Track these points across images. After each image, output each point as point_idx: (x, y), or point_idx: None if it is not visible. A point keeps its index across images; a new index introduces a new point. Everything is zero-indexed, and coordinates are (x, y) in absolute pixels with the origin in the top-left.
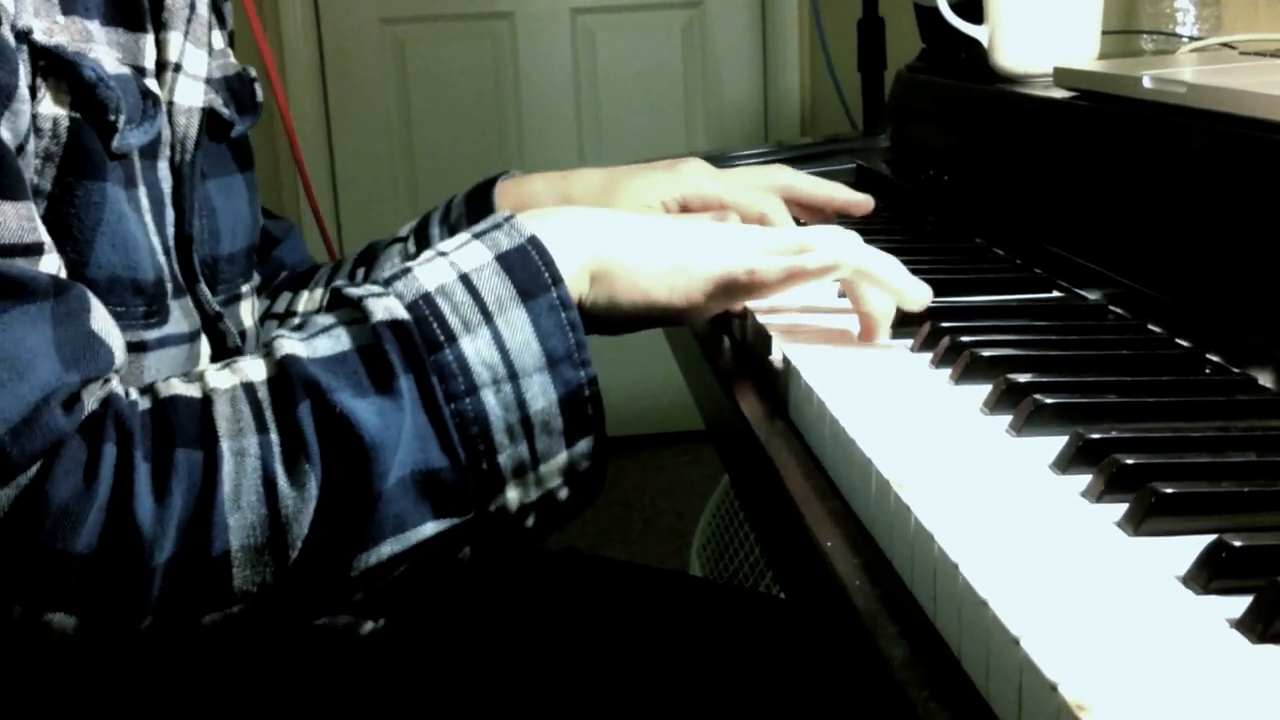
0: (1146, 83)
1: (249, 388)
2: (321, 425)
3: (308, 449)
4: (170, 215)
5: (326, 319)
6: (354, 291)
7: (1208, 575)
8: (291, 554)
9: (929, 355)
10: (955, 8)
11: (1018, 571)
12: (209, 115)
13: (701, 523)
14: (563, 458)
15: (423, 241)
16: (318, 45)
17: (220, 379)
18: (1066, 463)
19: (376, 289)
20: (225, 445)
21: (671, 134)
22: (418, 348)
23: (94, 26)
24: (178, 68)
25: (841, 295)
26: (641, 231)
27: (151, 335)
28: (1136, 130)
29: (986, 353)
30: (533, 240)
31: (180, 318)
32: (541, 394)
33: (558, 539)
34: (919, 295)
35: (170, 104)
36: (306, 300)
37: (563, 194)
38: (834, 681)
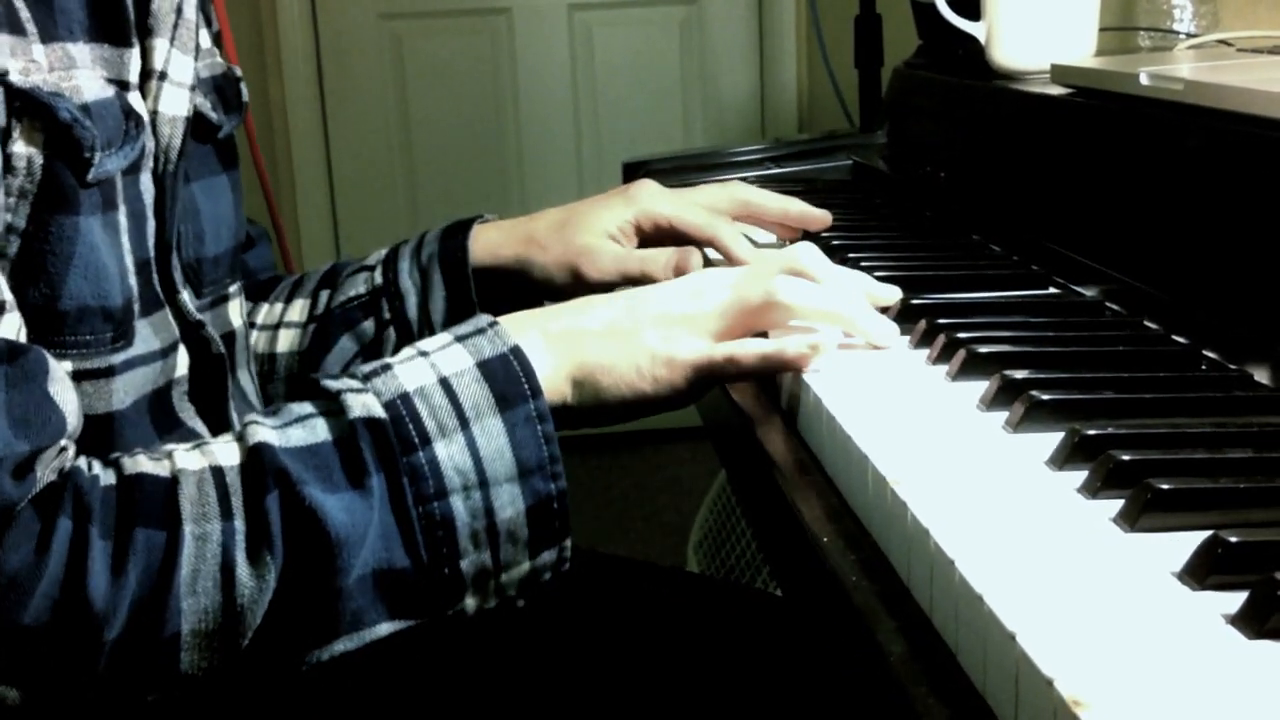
0: (1143, 79)
1: (218, 472)
2: (288, 517)
3: (271, 539)
4: (151, 225)
5: (302, 409)
6: (332, 385)
7: (1204, 571)
8: (242, 642)
9: (926, 352)
10: (952, 4)
11: (1014, 567)
12: (195, 118)
13: (698, 519)
14: (525, 568)
15: (390, 273)
16: (314, 41)
17: (189, 460)
18: (1063, 459)
19: (355, 384)
20: (188, 529)
21: (669, 130)
22: (392, 447)
23: (76, 49)
24: (163, 76)
25: None
26: (623, 326)
27: (118, 359)
28: (1133, 127)
29: (983, 349)
30: (515, 350)
31: (150, 335)
32: (510, 503)
33: None
34: (884, 340)
35: (154, 114)
36: (265, 313)
37: (525, 235)
38: (831, 677)
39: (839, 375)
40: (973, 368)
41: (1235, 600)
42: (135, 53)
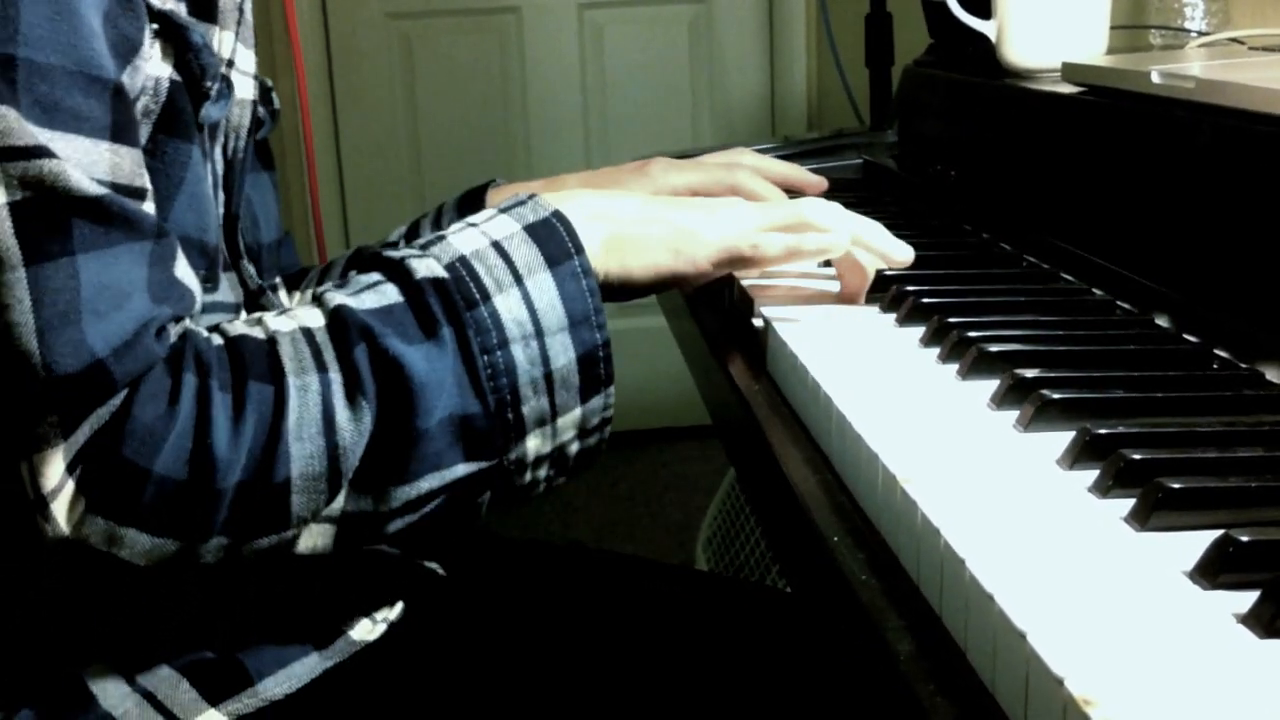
0: (1155, 78)
1: (307, 332)
2: (376, 366)
3: (364, 387)
4: (220, 196)
5: (369, 277)
6: (395, 254)
7: (1215, 570)
8: (343, 482)
9: (936, 350)
10: (963, 3)
11: (1024, 566)
12: (255, 109)
13: (707, 517)
14: (577, 413)
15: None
16: (325, 40)
17: (280, 323)
18: (1073, 458)
19: (415, 251)
20: (291, 380)
21: (678, 129)
22: (456, 303)
23: (182, 9)
24: (230, 63)
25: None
26: (649, 206)
27: (205, 299)
28: (1145, 125)
29: (993, 348)
30: (557, 214)
31: (228, 289)
32: (563, 351)
33: (564, 534)
34: (903, 256)
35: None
36: (298, 300)
37: None
38: (840, 675)
39: (849, 373)
40: (983, 366)
41: (1246, 599)
42: (218, 33)
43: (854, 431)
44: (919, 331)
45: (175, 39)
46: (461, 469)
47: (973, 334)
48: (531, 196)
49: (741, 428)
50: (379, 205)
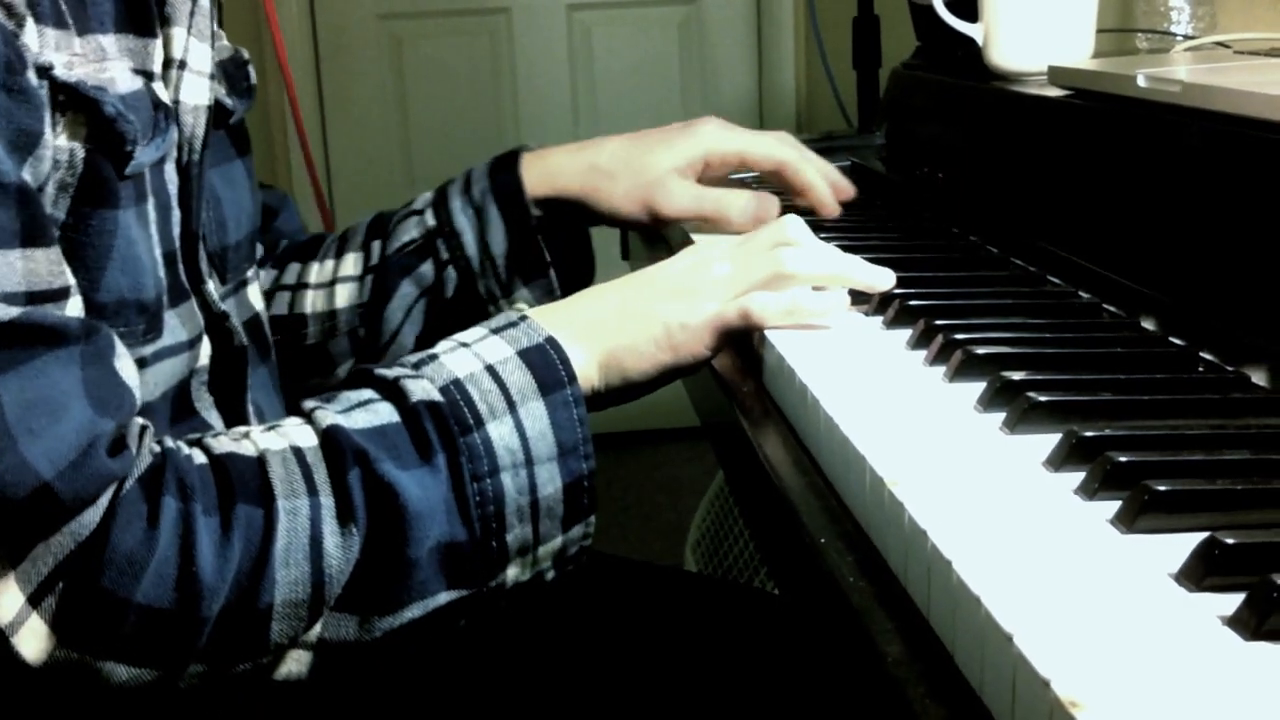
0: (1141, 81)
1: (298, 451)
2: (369, 492)
3: (355, 513)
4: (177, 215)
5: (360, 394)
6: (388, 373)
7: (1201, 573)
8: (324, 609)
9: (923, 352)
10: (950, 6)
11: (1011, 569)
12: (214, 108)
13: (696, 519)
14: (558, 542)
15: (443, 214)
16: (313, 41)
17: (269, 440)
18: (1060, 460)
19: (408, 371)
20: (281, 504)
21: None
22: (451, 428)
23: (107, 41)
24: (182, 64)
25: None
26: (633, 302)
27: (149, 350)
28: (1131, 129)
29: (980, 350)
30: (550, 340)
31: (177, 326)
32: (550, 480)
33: None
34: (885, 284)
35: (176, 103)
36: (318, 272)
37: (588, 164)
38: (829, 677)
39: (836, 375)
40: (970, 368)
41: (1232, 602)
42: (158, 43)
43: (842, 434)
44: (906, 334)
45: (87, 109)
46: (444, 597)
47: (960, 336)
48: (524, 318)
49: (730, 430)
50: (367, 206)
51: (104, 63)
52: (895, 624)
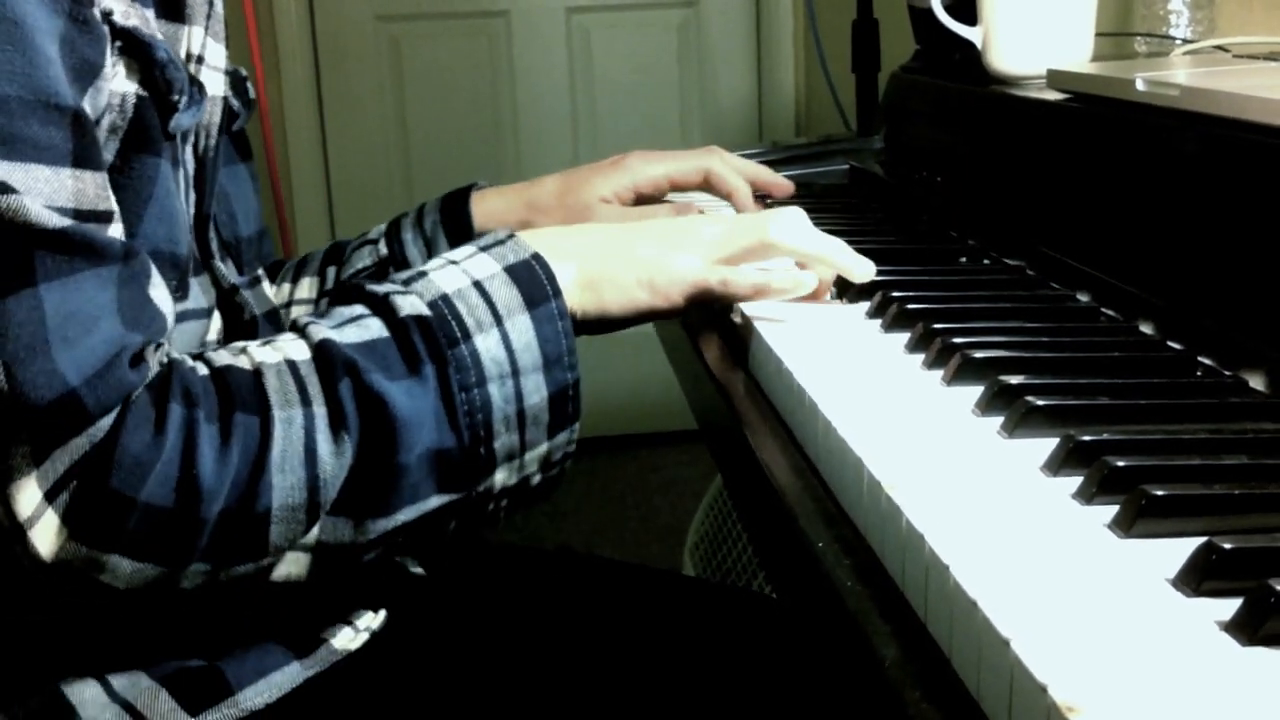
0: (1140, 85)
1: (292, 364)
2: (360, 401)
3: (347, 422)
4: (192, 196)
5: (352, 310)
6: (378, 289)
7: (1198, 577)
8: (321, 513)
9: (921, 356)
10: (949, 9)
11: (1009, 573)
12: (226, 108)
13: (694, 522)
14: (544, 448)
15: (395, 244)
16: (312, 43)
17: (265, 354)
18: (1058, 465)
19: (398, 288)
20: (276, 413)
21: (666, 133)
22: (439, 341)
23: (149, 14)
24: (200, 59)
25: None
26: (618, 240)
27: (177, 308)
28: (1130, 133)
29: (978, 354)
30: (536, 256)
31: (199, 294)
32: (535, 390)
33: (554, 538)
34: (864, 273)
35: None
36: (275, 294)
37: (526, 201)
38: (826, 681)
39: (834, 379)
40: (968, 373)
41: (1229, 607)
42: (186, 32)
43: (839, 437)
44: (904, 337)
45: (140, 55)
46: (435, 500)
47: (958, 340)
48: (511, 236)
49: (727, 433)
50: (366, 208)
51: (148, 26)
52: (892, 627)
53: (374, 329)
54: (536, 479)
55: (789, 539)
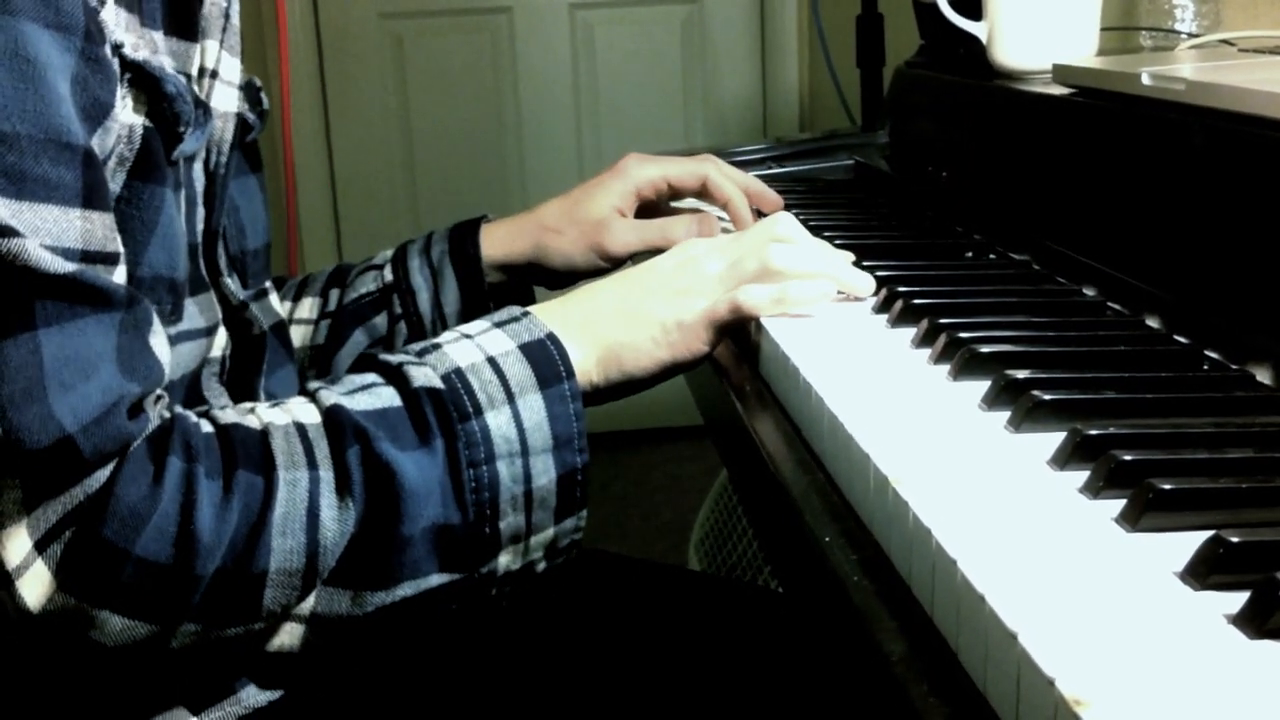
0: (1145, 80)
1: (301, 427)
2: (368, 469)
3: (353, 488)
4: (201, 213)
5: (364, 378)
6: (392, 359)
7: (1205, 571)
8: (317, 580)
9: (927, 351)
10: (954, 4)
11: (1016, 567)
12: (239, 121)
13: (700, 517)
14: (550, 533)
15: (400, 271)
16: (316, 40)
17: (273, 415)
18: (1064, 459)
19: (412, 359)
20: (281, 474)
21: (670, 129)
22: (450, 415)
23: (158, 37)
24: (214, 74)
25: None
26: (632, 302)
27: (173, 331)
28: (1135, 127)
29: (984, 349)
30: (550, 336)
31: (195, 314)
32: (544, 472)
33: None
34: (866, 289)
35: (209, 109)
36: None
37: (536, 225)
38: (832, 676)
39: (841, 374)
40: (974, 367)
41: (1237, 600)
42: (199, 48)
43: (846, 432)
44: (910, 332)
45: (149, 88)
46: (436, 579)
47: (964, 335)
48: (526, 314)
49: (733, 428)
50: (370, 205)
51: (157, 55)
52: (899, 622)
53: (386, 398)
54: (541, 565)
55: (795, 534)
